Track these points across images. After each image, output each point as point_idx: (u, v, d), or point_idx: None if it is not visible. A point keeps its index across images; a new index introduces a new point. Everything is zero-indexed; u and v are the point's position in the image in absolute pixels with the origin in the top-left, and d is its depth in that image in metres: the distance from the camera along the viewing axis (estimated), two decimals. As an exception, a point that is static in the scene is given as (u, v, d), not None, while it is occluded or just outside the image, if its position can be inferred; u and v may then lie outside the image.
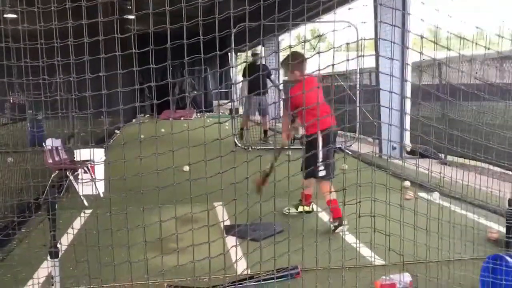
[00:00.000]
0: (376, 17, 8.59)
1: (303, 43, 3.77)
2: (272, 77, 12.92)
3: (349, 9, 3.66)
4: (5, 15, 3.62)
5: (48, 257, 3.28)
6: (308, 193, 5.47)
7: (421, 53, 3.17)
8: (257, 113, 12.35)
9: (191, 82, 23.92)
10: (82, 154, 6.61)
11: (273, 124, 14.39)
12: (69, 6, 3.18)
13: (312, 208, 5.65)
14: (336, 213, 4.94)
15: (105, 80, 3.32)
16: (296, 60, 4.88)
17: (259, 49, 12.46)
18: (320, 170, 4.99)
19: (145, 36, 3.26)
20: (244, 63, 12.56)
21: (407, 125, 9.00)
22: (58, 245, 3.29)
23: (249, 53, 12.21)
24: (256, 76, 10.96)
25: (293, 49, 4.12)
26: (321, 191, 5.05)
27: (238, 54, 18.81)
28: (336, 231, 4.94)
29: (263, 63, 12.58)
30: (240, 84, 12.74)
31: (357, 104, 10.12)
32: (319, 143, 4.89)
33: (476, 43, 3.52)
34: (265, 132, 12.15)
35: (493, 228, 4.79)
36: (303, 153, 4.05)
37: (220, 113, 19.35)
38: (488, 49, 3.67)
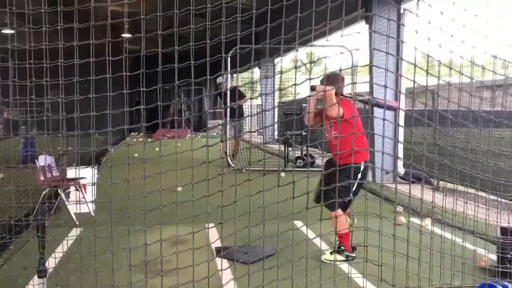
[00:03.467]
0: (370, 44, 8.71)
1: (297, 67, 3.81)
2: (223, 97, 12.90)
3: (342, 36, 3.70)
4: (4, 31, 3.65)
5: (36, 277, 3.24)
6: (346, 231, 4.85)
7: (414, 81, 3.21)
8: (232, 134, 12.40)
9: (186, 102, 24.02)
10: (74, 172, 6.58)
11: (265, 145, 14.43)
12: (66, 26, 3.21)
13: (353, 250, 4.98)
14: (347, 247, 4.88)
15: (101, 98, 3.34)
16: (334, 80, 4.70)
17: (221, 79, 12.74)
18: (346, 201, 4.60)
19: (148, 56, 3.31)
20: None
21: (400, 150, 9.06)
22: (46, 264, 3.25)
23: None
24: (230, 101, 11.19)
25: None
26: (334, 223, 4.66)
27: (234, 76, 18.98)
28: (325, 257, 4.88)
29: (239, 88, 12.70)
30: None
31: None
32: (360, 174, 4.83)
33: (462, 73, 3.59)
34: (234, 152, 12.19)
35: (484, 256, 4.77)
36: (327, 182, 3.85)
37: (215, 134, 19.42)
38: (472, 78, 3.74)
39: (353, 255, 4.83)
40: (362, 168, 4.87)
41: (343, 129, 4.34)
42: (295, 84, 3.40)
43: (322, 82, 4.83)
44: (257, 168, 10.73)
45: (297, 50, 3.55)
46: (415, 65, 3.21)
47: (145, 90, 3.26)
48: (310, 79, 3.38)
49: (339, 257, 4.79)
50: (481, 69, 4.02)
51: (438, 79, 3.31)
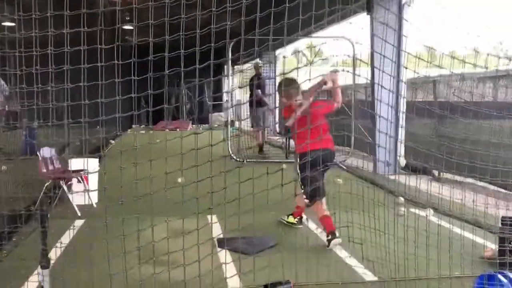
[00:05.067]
0: (371, 36, 8.65)
1: (285, 57, 3.82)
2: (267, 88, 12.63)
3: (330, 18, 3.70)
4: (2, 23, 3.65)
5: (39, 268, 3.25)
6: (300, 204, 5.46)
7: (417, 69, 3.21)
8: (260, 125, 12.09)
9: (187, 94, 23.98)
10: (76, 163, 6.59)
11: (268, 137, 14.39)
12: (50, 14, 3.18)
13: (297, 222, 5.62)
14: (328, 227, 4.89)
15: (99, 91, 3.32)
16: (288, 86, 4.99)
17: (261, 61, 12.19)
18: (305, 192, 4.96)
19: (144, 47, 3.30)
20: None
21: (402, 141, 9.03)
22: (49, 256, 3.26)
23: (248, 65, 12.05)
24: (256, 89, 10.92)
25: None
26: (313, 210, 5.07)
27: (235, 67, 18.91)
28: (330, 245, 4.89)
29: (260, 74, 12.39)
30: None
31: (352, 120, 10.17)
32: (300, 165, 4.88)
33: (449, 63, 3.58)
34: (260, 146, 12.07)
35: (487, 246, 4.78)
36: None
37: (216, 125, 19.38)
38: (451, 66, 3.73)
39: (298, 226, 5.44)
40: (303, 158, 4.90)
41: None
42: (283, 72, 3.38)
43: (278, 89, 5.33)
44: (259, 160, 10.73)
45: (285, 45, 3.54)
46: (419, 55, 3.20)
47: (138, 80, 3.25)
48: (297, 68, 3.40)
49: (337, 240, 4.83)
50: (484, 60, 4.01)
51: (414, 69, 3.30)
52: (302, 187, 4.84)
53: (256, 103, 11.41)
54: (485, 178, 4.16)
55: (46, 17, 3.19)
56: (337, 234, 4.80)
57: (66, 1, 3.13)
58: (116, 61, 3.16)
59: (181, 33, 3.14)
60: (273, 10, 3.17)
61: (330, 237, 4.85)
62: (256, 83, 11.27)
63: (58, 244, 4.19)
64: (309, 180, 4.57)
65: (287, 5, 3.20)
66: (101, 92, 3.23)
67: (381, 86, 3.41)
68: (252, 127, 12.26)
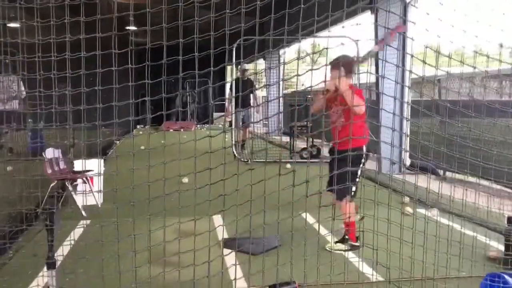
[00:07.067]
0: (375, 35, 8.64)
1: (300, 58, 3.82)
2: (256, 92, 12.83)
3: (343, 27, 3.71)
4: (8, 24, 3.67)
5: (45, 268, 3.27)
6: (353, 219, 4.78)
7: (410, 71, 3.20)
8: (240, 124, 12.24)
9: (192, 94, 24.00)
10: (81, 164, 6.61)
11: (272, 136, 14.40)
12: (68, 20, 3.22)
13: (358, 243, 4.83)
14: (352, 237, 4.82)
15: (108, 92, 3.35)
16: (346, 64, 4.67)
17: (247, 66, 12.35)
18: (354, 189, 4.70)
19: (154, 48, 3.32)
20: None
21: (407, 141, 9.00)
22: (56, 256, 3.28)
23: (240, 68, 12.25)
24: (242, 91, 11.04)
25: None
26: (344, 211, 4.74)
27: (239, 67, 18.87)
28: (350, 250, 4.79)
29: (251, 78, 12.56)
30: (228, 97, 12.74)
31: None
32: (364, 158, 4.75)
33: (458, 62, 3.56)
34: (243, 142, 12.14)
35: (492, 246, 4.77)
36: (336, 168, 3.76)
37: (220, 125, 19.44)
38: (475, 68, 3.71)
39: (357, 244, 4.75)
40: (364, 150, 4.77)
41: (350, 116, 4.31)
42: (297, 75, 3.39)
43: (334, 67, 4.73)
44: (263, 160, 10.69)
45: (286, 45, 3.54)
46: (412, 56, 3.19)
47: (150, 83, 3.27)
48: (312, 69, 3.39)
49: (343, 246, 4.79)
50: (486, 58, 3.99)
51: (436, 68, 3.29)
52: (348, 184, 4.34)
53: (237, 104, 11.57)
54: (498, 180, 4.12)
55: (48, 22, 3.22)
56: (358, 244, 4.69)
57: (82, 8, 3.15)
58: (130, 65, 3.19)
59: (195, 36, 3.16)
60: (272, 16, 3.18)
61: (349, 248, 4.81)
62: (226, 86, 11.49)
63: (64, 244, 4.20)
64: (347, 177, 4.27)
65: (287, 10, 3.22)
66: (115, 95, 3.26)
67: (385, 77, 3.40)
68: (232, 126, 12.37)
